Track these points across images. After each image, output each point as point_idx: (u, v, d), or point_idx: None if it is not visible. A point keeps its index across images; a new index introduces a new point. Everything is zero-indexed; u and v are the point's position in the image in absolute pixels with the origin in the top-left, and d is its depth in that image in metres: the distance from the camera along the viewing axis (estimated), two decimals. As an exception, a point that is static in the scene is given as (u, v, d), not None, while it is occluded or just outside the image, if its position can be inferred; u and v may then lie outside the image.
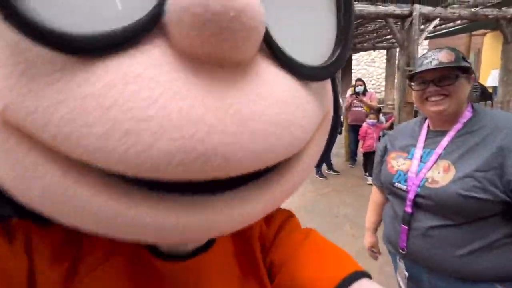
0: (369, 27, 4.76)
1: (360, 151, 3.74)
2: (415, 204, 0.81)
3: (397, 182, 0.87)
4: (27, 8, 0.12)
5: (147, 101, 0.14)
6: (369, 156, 3.66)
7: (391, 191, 0.91)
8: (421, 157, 0.84)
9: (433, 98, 0.79)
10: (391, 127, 4.10)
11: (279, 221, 0.38)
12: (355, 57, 11.02)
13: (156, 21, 0.14)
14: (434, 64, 0.77)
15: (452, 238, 0.73)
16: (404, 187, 0.84)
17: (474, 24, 4.44)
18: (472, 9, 3.59)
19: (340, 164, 4.69)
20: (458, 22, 4.25)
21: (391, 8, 3.10)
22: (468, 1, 3.74)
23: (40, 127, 0.14)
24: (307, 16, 0.20)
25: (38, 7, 0.13)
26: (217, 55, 0.15)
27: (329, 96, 0.25)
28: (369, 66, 10.65)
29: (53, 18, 0.13)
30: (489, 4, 3.66)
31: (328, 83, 0.25)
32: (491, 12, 3.61)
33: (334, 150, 5.12)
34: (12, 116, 0.15)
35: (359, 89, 4.09)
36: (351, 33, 0.22)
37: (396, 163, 0.90)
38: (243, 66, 0.16)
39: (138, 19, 0.14)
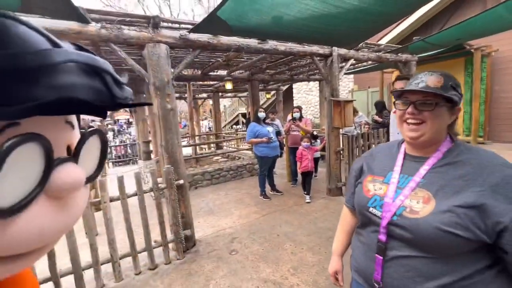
0: (302, 62, 5.42)
1: (299, 171, 4.05)
2: (389, 233, 0.76)
3: (372, 207, 0.82)
4: None
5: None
6: (305, 176, 3.99)
7: (364, 216, 0.86)
8: (398, 182, 0.80)
9: (410, 120, 0.77)
10: (323, 149, 4.60)
11: None
12: (295, 86, 12.17)
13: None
14: (420, 86, 0.74)
15: (424, 270, 0.70)
16: (379, 213, 0.79)
17: (381, 64, 5.47)
18: (377, 53, 4.46)
19: (283, 184, 4.95)
20: (369, 62, 5.19)
21: (315, 48, 3.64)
22: (374, 47, 4.65)
23: None
24: (92, 157, 0.35)
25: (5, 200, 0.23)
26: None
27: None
28: (308, 95, 11.84)
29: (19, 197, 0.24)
30: (389, 50, 4.62)
31: None
32: (390, 56, 4.54)
33: (278, 171, 5.41)
34: None
35: (296, 115, 4.54)
36: (102, 165, 0.37)
37: (373, 186, 0.85)
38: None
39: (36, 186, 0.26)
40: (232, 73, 5.74)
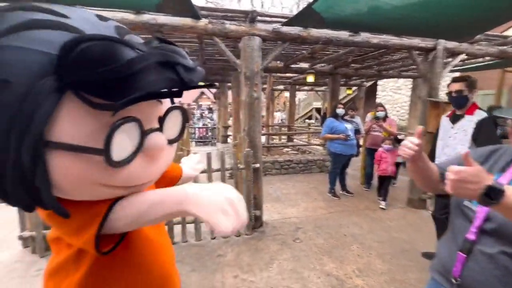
0: (394, 56, 4.88)
1: (376, 174, 3.77)
2: (481, 229, 0.74)
3: (468, 200, 0.80)
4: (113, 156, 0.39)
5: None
6: (383, 180, 3.69)
7: (457, 209, 0.84)
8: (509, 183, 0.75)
9: None
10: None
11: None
12: (380, 83, 11.04)
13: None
14: None
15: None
16: (474, 208, 0.77)
17: (504, 61, 4.41)
18: (500, 47, 3.62)
19: (355, 186, 4.70)
20: (487, 58, 4.26)
21: (416, 41, 3.24)
22: (498, 39, 3.78)
23: (113, 183, 0.45)
24: (175, 124, 0.51)
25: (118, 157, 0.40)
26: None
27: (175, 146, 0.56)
28: (395, 93, 10.59)
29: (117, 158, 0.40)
30: (519, 43, 3.68)
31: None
32: (520, 51, 3.62)
33: (350, 172, 5.16)
34: (103, 183, 0.44)
35: (380, 114, 4.18)
36: (183, 132, 0.53)
37: None
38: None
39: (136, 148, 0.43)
40: (314, 66, 5.67)
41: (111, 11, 2.43)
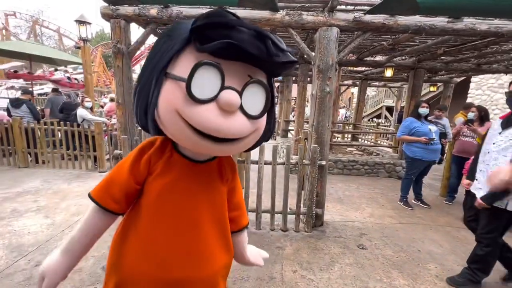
0: (504, 46, 3.97)
1: (465, 187, 3.18)
2: None
3: None
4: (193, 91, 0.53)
5: (211, 118, 0.53)
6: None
7: None
8: None
9: None
10: None
11: (234, 166, 0.80)
12: (476, 79, 9.25)
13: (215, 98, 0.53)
14: None
15: None
16: None
17: None
18: None
19: (433, 197, 4.10)
20: None
21: (544, 26, 2.54)
22: None
23: (187, 117, 0.54)
24: (256, 101, 0.57)
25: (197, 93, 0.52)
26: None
27: (261, 123, 0.62)
28: (494, 92, 8.72)
29: (195, 92, 0.53)
30: None
31: (261, 118, 0.60)
32: None
33: (426, 181, 4.52)
34: (181, 113, 0.54)
35: (471, 115, 3.50)
36: (269, 107, 0.60)
37: None
38: (233, 113, 0.55)
39: (213, 96, 0.53)
40: (392, 59, 5.09)
41: (198, 7, 2.64)
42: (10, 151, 4.73)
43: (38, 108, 6.06)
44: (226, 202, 0.75)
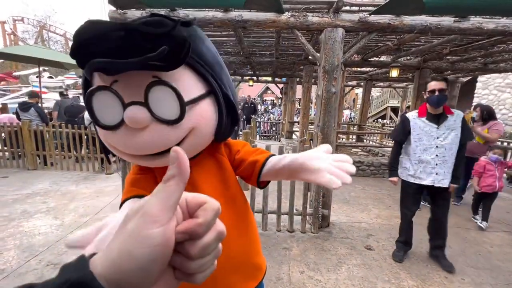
0: (511, 45, 3.93)
1: (476, 189, 3.13)
2: None
3: None
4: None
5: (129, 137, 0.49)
6: (486, 197, 3.05)
7: None
8: None
9: None
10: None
11: (238, 147, 0.72)
12: (482, 79, 9.15)
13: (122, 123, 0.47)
14: None
15: None
16: None
17: None
18: None
19: (440, 198, 4.05)
20: None
21: (552, 24, 2.52)
22: None
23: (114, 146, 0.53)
24: (167, 103, 0.48)
25: (105, 121, 0.49)
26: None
27: (195, 121, 0.52)
28: (502, 92, 8.61)
29: (103, 121, 0.49)
30: None
31: (183, 121, 0.50)
32: None
33: (434, 182, 4.47)
34: (107, 143, 0.55)
35: (474, 115, 3.50)
36: (183, 105, 0.49)
37: None
38: (148, 127, 0.48)
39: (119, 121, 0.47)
40: (398, 59, 5.07)
41: (204, 10, 2.67)
42: (20, 153, 4.82)
43: (46, 111, 6.16)
44: (233, 180, 0.70)
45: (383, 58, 5.61)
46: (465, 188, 3.81)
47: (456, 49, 4.16)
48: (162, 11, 2.64)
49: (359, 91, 14.02)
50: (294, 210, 2.86)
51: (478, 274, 2.21)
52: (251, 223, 0.74)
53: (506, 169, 3.32)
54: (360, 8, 2.72)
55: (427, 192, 2.33)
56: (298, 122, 7.05)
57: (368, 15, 2.55)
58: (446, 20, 2.56)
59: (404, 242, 2.44)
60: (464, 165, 3.62)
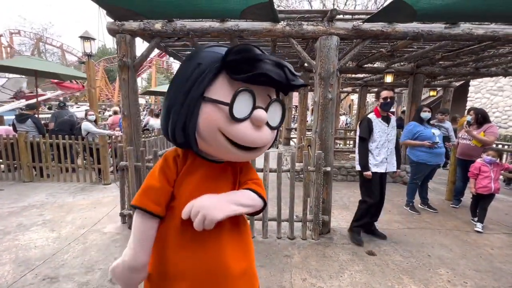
0: (501, 50, 4.03)
1: (471, 191, 3.17)
2: None
3: None
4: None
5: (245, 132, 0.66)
6: (481, 199, 3.07)
7: None
8: None
9: None
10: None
11: (254, 176, 0.85)
12: (474, 83, 9.33)
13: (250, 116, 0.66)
14: None
15: None
16: None
17: None
18: None
19: (439, 202, 4.06)
20: None
21: (540, 29, 2.59)
22: None
23: (228, 134, 0.65)
24: (276, 115, 0.71)
25: (237, 114, 0.64)
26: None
27: (275, 132, 0.74)
28: (494, 95, 8.77)
29: (236, 113, 0.64)
30: None
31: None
32: None
33: (431, 185, 4.50)
34: (223, 130, 0.65)
35: (469, 118, 3.56)
36: (283, 120, 0.73)
37: None
38: (262, 127, 0.68)
39: (248, 115, 0.65)
40: (392, 65, 5.16)
41: (201, 21, 2.72)
42: (15, 165, 4.76)
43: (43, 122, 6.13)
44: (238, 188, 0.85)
45: (377, 64, 5.71)
46: (463, 191, 3.83)
47: (448, 55, 4.26)
48: (160, 22, 2.68)
49: (355, 97, 14.18)
50: (294, 217, 2.85)
51: (481, 278, 2.20)
52: (248, 229, 0.90)
53: (502, 171, 3.35)
54: (354, 16, 2.79)
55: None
56: (295, 129, 7.09)
57: (361, 23, 2.61)
58: (437, 27, 2.63)
59: (363, 225, 2.84)
60: (462, 168, 3.68)
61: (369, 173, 2.66)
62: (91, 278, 2.09)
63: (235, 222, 0.79)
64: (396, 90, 9.70)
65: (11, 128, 5.18)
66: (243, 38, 2.81)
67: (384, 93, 2.68)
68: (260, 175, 2.77)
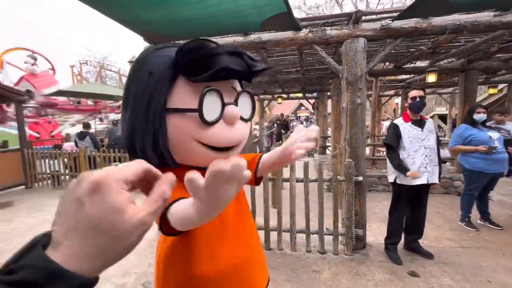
0: None
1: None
2: None
3: None
4: None
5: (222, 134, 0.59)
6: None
7: None
8: None
9: None
10: None
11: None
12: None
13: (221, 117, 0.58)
14: None
15: None
16: None
17: None
18: None
19: (506, 217, 3.44)
20: None
21: None
22: None
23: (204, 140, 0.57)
24: (247, 107, 0.63)
25: (208, 117, 0.57)
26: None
27: (250, 123, 0.67)
28: None
29: (207, 117, 0.57)
30: None
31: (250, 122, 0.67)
32: None
33: (495, 197, 3.86)
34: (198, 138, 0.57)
35: None
36: (255, 109, 0.66)
37: None
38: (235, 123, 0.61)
39: (219, 115, 0.57)
40: (436, 63, 4.67)
41: (225, 37, 2.85)
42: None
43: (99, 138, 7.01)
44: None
45: (419, 63, 5.23)
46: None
47: (507, 46, 3.69)
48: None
49: (399, 100, 13.12)
50: (325, 229, 2.69)
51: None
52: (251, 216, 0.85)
53: None
54: (381, 15, 2.63)
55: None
56: (330, 137, 6.82)
57: (390, 22, 2.45)
58: (485, 16, 2.31)
59: (396, 242, 2.58)
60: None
61: (412, 172, 2.33)
62: (127, 280, 2.26)
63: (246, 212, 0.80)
64: (448, 90, 8.71)
65: (73, 144, 6.02)
66: (267, 49, 2.85)
67: (413, 93, 2.42)
68: (286, 185, 2.72)
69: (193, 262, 0.69)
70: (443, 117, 12.42)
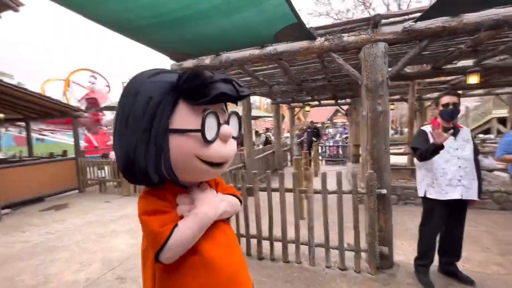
0: None
1: None
2: None
3: None
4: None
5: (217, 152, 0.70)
6: None
7: None
8: None
9: None
10: None
11: (225, 187, 0.89)
12: None
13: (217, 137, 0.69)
14: None
15: None
16: None
17: None
18: None
19: None
20: None
21: None
22: None
23: (204, 157, 0.67)
24: (235, 126, 0.75)
25: (208, 136, 0.66)
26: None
27: (237, 142, 0.78)
28: None
29: (208, 137, 0.66)
30: None
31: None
32: None
33: None
34: (200, 155, 0.67)
35: None
36: (241, 128, 0.79)
37: None
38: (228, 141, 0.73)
39: (216, 134, 0.68)
40: (481, 62, 4.16)
41: (242, 50, 2.95)
42: (120, 183, 6.07)
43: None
44: None
45: (465, 62, 4.70)
46: None
47: None
48: (209, 57, 3.05)
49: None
50: (346, 245, 2.55)
51: None
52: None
53: None
54: (404, 17, 2.46)
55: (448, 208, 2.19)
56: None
57: (413, 23, 2.28)
58: (529, 8, 2.02)
59: (427, 264, 2.31)
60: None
61: (443, 136, 1.94)
62: None
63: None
64: (508, 90, 7.62)
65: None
66: (283, 59, 2.87)
67: (445, 99, 2.20)
68: (318, 196, 2.65)
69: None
70: (503, 120, 10.87)
